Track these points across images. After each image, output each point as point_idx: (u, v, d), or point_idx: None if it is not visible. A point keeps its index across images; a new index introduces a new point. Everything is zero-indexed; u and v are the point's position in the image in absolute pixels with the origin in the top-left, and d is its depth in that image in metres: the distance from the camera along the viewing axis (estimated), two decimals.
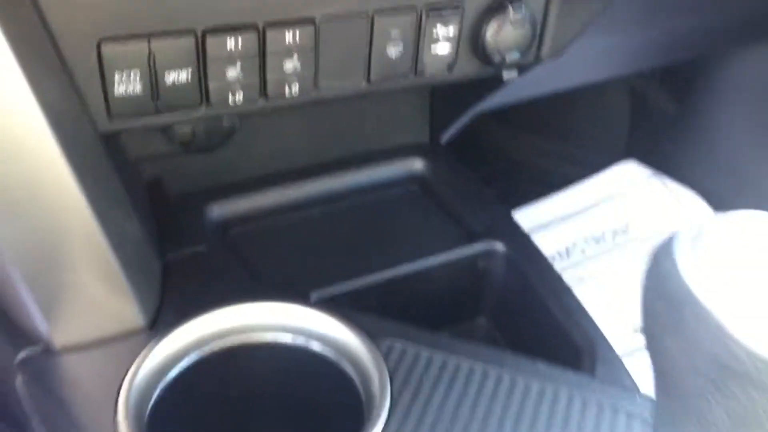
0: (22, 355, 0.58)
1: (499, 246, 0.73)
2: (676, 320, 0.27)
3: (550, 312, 0.67)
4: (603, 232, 1.29)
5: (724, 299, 0.26)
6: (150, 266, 0.64)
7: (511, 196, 1.22)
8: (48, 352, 0.58)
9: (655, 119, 1.36)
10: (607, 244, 1.25)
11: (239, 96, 0.57)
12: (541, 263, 0.72)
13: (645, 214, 1.25)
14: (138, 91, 0.53)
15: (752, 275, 0.27)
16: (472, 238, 0.74)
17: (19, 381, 0.59)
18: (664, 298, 0.28)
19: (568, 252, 1.25)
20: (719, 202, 1.25)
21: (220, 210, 0.75)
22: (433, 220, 0.79)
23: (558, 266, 1.16)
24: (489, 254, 0.73)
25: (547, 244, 1.19)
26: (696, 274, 0.27)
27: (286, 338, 0.59)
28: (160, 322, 0.60)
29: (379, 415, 0.51)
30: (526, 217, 1.24)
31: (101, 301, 0.58)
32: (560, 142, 1.42)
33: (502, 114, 1.08)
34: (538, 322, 0.69)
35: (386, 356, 0.56)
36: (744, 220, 0.29)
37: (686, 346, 0.27)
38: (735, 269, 0.27)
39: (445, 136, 0.91)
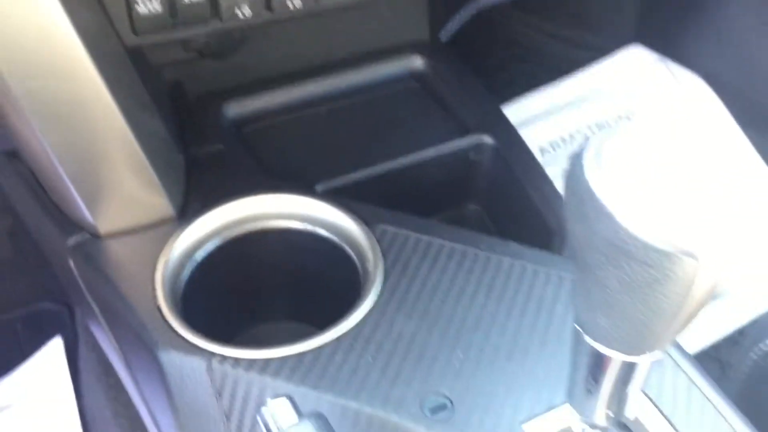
0: (72, 240, 0.68)
1: (488, 139, 0.80)
2: (581, 211, 0.36)
3: (530, 198, 0.76)
4: (607, 118, 1.34)
5: (616, 194, 0.34)
6: (175, 162, 0.73)
7: (521, 81, 1.26)
8: (94, 237, 0.68)
9: (665, 2, 1.37)
10: (611, 130, 1.30)
11: (246, 10, 0.64)
12: (525, 155, 0.80)
13: (649, 99, 1.29)
14: (158, 9, 0.60)
15: (644, 175, 0.35)
16: (464, 132, 0.82)
17: (71, 262, 0.70)
18: (574, 193, 0.36)
19: (571, 137, 1.30)
20: (724, 86, 1.28)
21: (234, 109, 0.83)
22: (430, 115, 0.86)
23: (562, 152, 1.23)
24: (479, 147, 0.80)
25: (552, 129, 1.25)
26: (596, 173, 0.35)
27: (296, 225, 0.69)
28: (187, 211, 0.69)
29: (373, 288, 0.61)
30: (533, 102, 1.28)
31: (135, 193, 0.67)
32: (571, 27, 1.44)
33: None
34: (520, 208, 0.77)
35: (380, 239, 0.65)
36: (644, 130, 0.37)
37: (588, 231, 0.36)
38: (630, 170, 0.35)
39: (445, 33, 0.96)
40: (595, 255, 0.36)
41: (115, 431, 0.89)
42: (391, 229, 0.66)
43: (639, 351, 0.39)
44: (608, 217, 0.34)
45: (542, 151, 1.20)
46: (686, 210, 0.33)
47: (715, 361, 0.55)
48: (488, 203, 0.85)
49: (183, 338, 0.59)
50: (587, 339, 0.40)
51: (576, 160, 0.36)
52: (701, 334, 0.93)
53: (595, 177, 0.35)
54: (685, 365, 0.56)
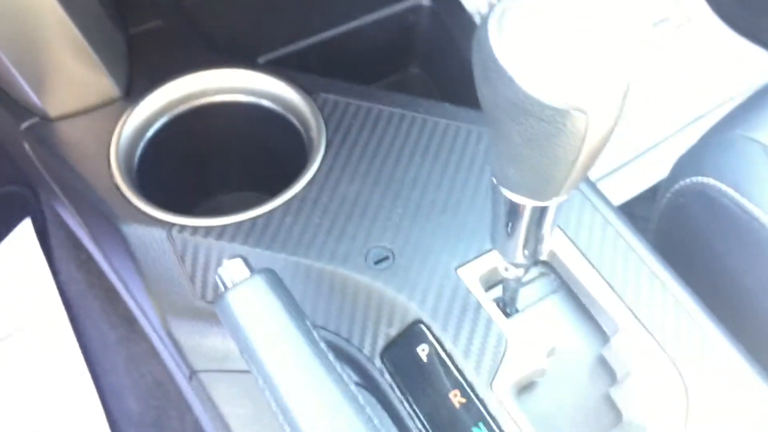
0: (25, 125, 0.71)
1: (425, 1, 0.82)
2: (486, 74, 0.39)
3: (468, 60, 0.78)
4: None
5: (515, 58, 0.38)
6: (115, 41, 0.74)
7: None
8: (46, 120, 0.70)
9: None
10: None
11: None
12: (463, 17, 0.82)
13: None
14: None
15: (540, 40, 0.38)
16: None
17: (26, 146, 0.72)
18: (479, 57, 0.39)
19: None
20: None
21: None
22: None
23: None
24: (417, 9, 0.82)
25: None
26: (497, 39, 0.38)
27: (241, 98, 0.71)
28: (133, 91, 0.71)
29: (317, 155, 0.65)
30: None
31: (79, 75, 0.68)
32: None
33: None
34: (459, 69, 0.80)
35: (322, 107, 0.68)
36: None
37: (493, 92, 0.39)
38: (527, 35, 0.38)
39: None
40: (500, 113, 0.40)
41: (93, 301, 0.95)
42: (332, 97, 0.69)
43: (544, 197, 0.44)
44: (508, 80, 0.38)
45: (480, 14, 1.21)
46: (577, 70, 0.37)
47: (629, 216, 0.60)
48: (429, 66, 0.88)
49: (143, 212, 0.63)
50: (501, 189, 0.45)
51: (482, 25, 0.39)
52: (616, 194, 0.99)
53: (496, 42, 0.38)
54: (602, 207, 0.61)
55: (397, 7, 0.81)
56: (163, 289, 0.62)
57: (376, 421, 0.45)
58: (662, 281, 0.57)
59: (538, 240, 0.49)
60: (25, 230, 1.10)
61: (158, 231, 0.62)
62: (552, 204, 0.45)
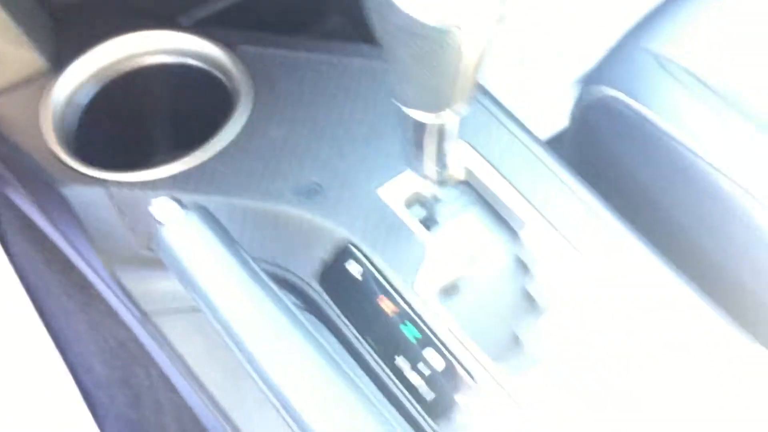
0: None
1: None
2: (374, 4, 0.43)
3: None
4: None
5: None
6: (38, 14, 0.76)
7: None
8: None
9: None
10: None
11: None
12: None
13: None
14: None
15: None
16: None
17: None
18: None
19: None
20: None
21: None
22: None
23: None
24: None
25: None
26: None
27: (166, 58, 0.74)
28: (61, 62, 0.73)
29: (244, 105, 0.69)
30: None
31: (4, 51, 0.71)
32: None
33: None
34: None
35: (245, 60, 0.72)
36: None
37: (381, 17, 0.44)
38: None
39: None
40: (390, 38, 0.44)
41: (49, 274, 0.98)
42: (252, 48, 0.72)
43: (439, 109, 0.49)
44: (392, 5, 0.42)
45: None
46: None
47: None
48: (351, 13, 0.91)
49: (80, 173, 0.66)
50: (402, 108, 0.50)
51: None
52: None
53: None
54: (512, 126, 0.66)
55: None
56: (108, 244, 0.66)
57: (320, 339, 0.50)
58: (565, 183, 0.63)
59: (444, 154, 0.54)
60: None
61: (97, 189, 0.65)
62: (448, 118, 0.50)
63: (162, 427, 0.92)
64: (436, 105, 0.48)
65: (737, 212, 0.61)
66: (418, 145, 0.53)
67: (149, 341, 0.67)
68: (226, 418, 0.59)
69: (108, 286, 0.68)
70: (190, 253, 0.51)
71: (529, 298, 0.60)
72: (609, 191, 0.64)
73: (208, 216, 0.53)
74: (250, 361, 0.48)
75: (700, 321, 0.57)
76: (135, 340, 0.77)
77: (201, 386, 0.61)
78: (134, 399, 0.98)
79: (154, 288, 0.64)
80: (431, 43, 0.43)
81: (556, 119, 0.91)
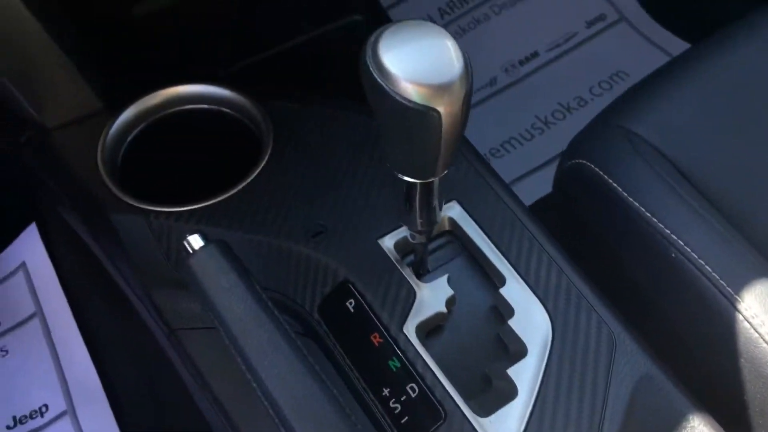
0: (25, 136, 0.85)
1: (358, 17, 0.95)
2: (370, 84, 0.52)
3: None
4: None
5: (386, 75, 0.51)
6: (92, 62, 0.87)
7: None
8: (43, 131, 0.84)
9: None
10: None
11: None
12: None
13: None
14: None
15: (405, 60, 0.52)
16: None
17: (26, 154, 0.86)
18: (363, 72, 0.52)
19: None
20: None
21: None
22: None
23: None
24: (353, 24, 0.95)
25: None
26: (371, 61, 0.51)
27: (204, 106, 0.85)
28: (114, 104, 0.85)
29: (266, 151, 0.79)
30: None
31: (68, 91, 0.82)
32: None
33: None
34: None
35: (271, 112, 0.82)
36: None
37: (377, 100, 0.53)
38: (395, 57, 0.52)
39: None
40: (384, 115, 0.54)
41: (89, 285, 1.09)
42: (279, 103, 0.83)
43: (427, 175, 0.57)
44: (384, 92, 0.51)
45: None
46: (430, 82, 0.50)
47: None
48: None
49: (126, 203, 0.77)
50: (396, 172, 0.59)
51: (362, 50, 0.53)
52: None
53: (372, 64, 0.51)
54: (495, 185, 0.75)
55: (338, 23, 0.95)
56: (145, 265, 0.76)
57: (310, 359, 0.59)
58: (540, 244, 0.71)
59: (430, 210, 0.62)
60: (30, 234, 1.25)
61: (138, 218, 0.76)
62: (435, 180, 0.59)
63: None
64: (424, 171, 0.57)
65: (686, 278, 0.68)
66: (408, 202, 0.61)
67: (174, 354, 0.77)
68: (235, 429, 0.68)
69: (142, 302, 0.78)
70: (210, 280, 0.61)
71: (502, 345, 0.69)
72: (583, 253, 0.72)
73: (227, 249, 0.63)
74: (252, 373, 0.57)
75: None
76: (162, 352, 0.87)
77: (215, 398, 0.70)
78: (157, 405, 1.08)
79: (181, 307, 0.74)
80: (417, 122, 0.51)
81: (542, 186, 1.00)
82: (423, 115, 0.50)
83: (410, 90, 0.49)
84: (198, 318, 0.73)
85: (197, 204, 0.76)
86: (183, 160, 0.85)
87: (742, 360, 0.64)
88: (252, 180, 0.77)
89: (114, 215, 0.77)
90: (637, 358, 0.66)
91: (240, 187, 0.77)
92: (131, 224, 0.77)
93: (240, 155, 0.83)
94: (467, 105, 0.52)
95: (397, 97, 0.50)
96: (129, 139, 0.84)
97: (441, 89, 0.50)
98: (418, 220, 0.63)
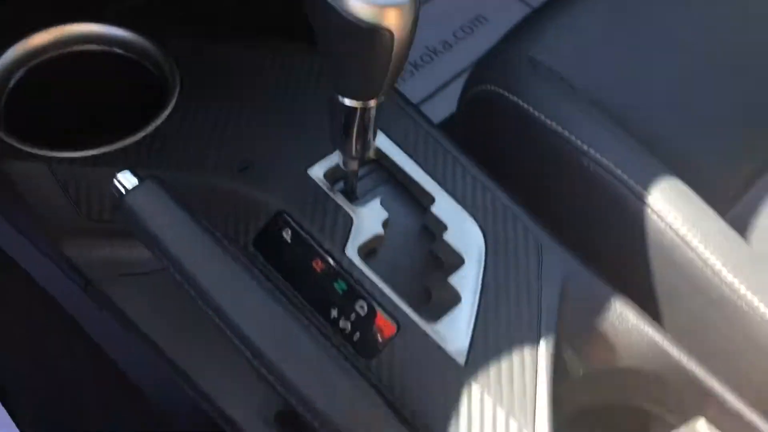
0: None
1: None
2: (317, 9, 0.52)
3: None
4: None
5: None
6: None
7: None
8: None
9: None
10: None
11: None
12: None
13: None
14: None
15: None
16: None
17: None
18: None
19: None
20: None
21: None
22: None
23: None
24: None
25: None
26: None
27: (94, 47, 0.80)
28: None
29: (174, 90, 0.76)
30: None
31: None
32: None
33: None
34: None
35: (173, 51, 0.78)
36: None
37: (321, 19, 0.52)
38: None
39: None
40: (330, 37, 0.54)
41: None
42: (181, 40, 0.79)
43: (368, 97, 0.58)
44: (335, 11, 0.51)
45: None
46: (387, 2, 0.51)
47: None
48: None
49: (22, 150, 0.70)
50: (337, 96, 0.59)
51: None
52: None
53: None
54: (414, 114, 0.77)
55: None
56: (50, 217, 0.70)
57: (276, 290, 0.59)
58: (462, 164, 0.75)
59: (366, 135, 0.63)
60: None
61: (40, 166, 0.70)
62: (371, 104, 0.59)
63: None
64: (366, 93, 0.58)
65: (600, 185, 0.75)
66: (346, 128, 0.62)
67: (89, 311, 0.72)
68: (174, 367, 0.66)
69: (48, 256, 0.72)
70: (153, 218, 0.58)
71: (438, 260, 0.72)
72: (499, 171, 0.77)
73: (162, 183, 0.60)
74: (216, 311, 0.56)
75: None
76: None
77: (155, 346, 0.67)
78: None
79: (96, 257, 0.70)
80: (367, 42, 0.52)
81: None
82: (376, 34, 0.51)
83: (364, 9, 0.50)
84: (118, 267, 0.70)
85: (106, 147, 0.71)
86: (84, 104, 0.79)
87: (653, 250, 0.72)
88: (164, 121, 0.74)
89: (8, 165, 0.71)
90: (562, 258, 0.71)
91: (152, 127, 0.73)
92: (31, 174, 0.70)
93: (146, 97, 0.78)
94: (415, 27, 0.53)
95: (350, 17, 0.50)
96: (10, 85, 0.77)
97: (395, 9, 0.51)
98: (354, 146, 0.64)
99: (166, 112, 0.74)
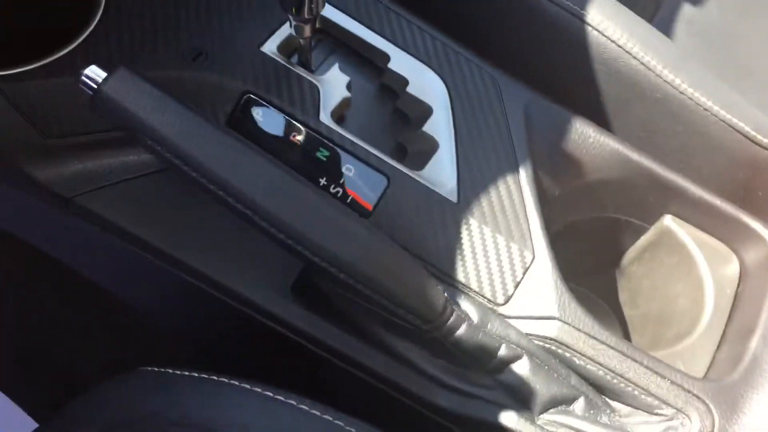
0: None
1: None
2: None
3: None
4: None
5: None
6: None
7: None
8: None
9: None
10: None
11: None
12: None
13: None
14: None
15: None
16: None
17: None
18: None
19: None
20: None
21: None
22: None
23: None
24: None
25: None
26: None
27: None
28: None
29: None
30: None
31: None
32: None
33: None
34: None
35: None
36: None
37: None
38: None
39: None
40: None
41: None
42: None
43: None
44: None
45: None
46: None
47: None
48: None
49: None
50: None
51: None
52: None
53: None
54: None
55: None
56: (8, 142, 0.67)
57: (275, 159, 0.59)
58: (407, 18, 0.75)
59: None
60: None
61: None
62: None
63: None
64: None
65: (538, 13, 0.78)
66: None
67: (74, 229, 0.70)
68: (180, 264, 0.66)
69: (13, 186, 0.69)
70: (136, 104, 0.57)
71: (405, 116, 0.73)
72: (434, 19, 0.78)
73: (136, 69, 0.58)
74: (218, 179, 0.56)
75: None
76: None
77: (147, 247, 0.67)
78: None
79: (67, 173, 0.67)
80: None
81: None
82: None
83: None
84: (91, 180, 0.68)
85: (51, 56, 0.67)
86: (15, 19, 0.73)
87: (598, 64, 0.76)
88: (104, 18, 0.69)
89: None
90: (519, 91, 0.75)
91: (92, 26, 0.69)
92: None
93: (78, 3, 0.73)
94: None
95: None
96: None
97: None
98: (307, 5, 0.63)
99: (100, 10, 0.70)
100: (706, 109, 0.77)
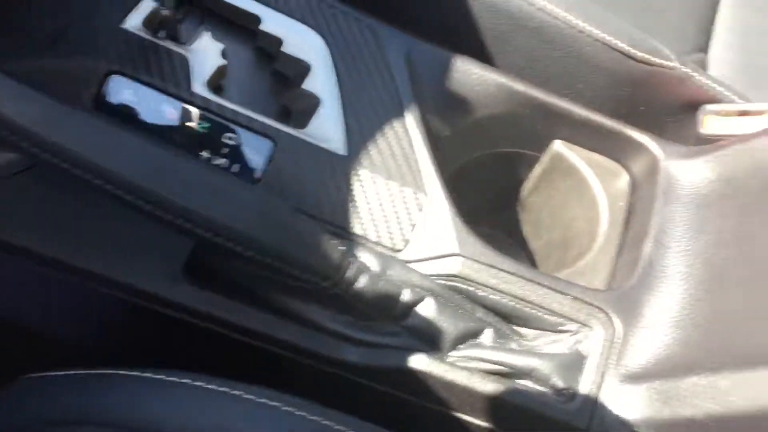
0: None
1: None
2: None
3: None
4: None
5: None
6: None
7: None
8: None
9: None
10: None
11: None
12: None
13: None
14: None
15: None
16: None
17: None
18: None
19: None
20: None
21: None
22: None
23: None
24: None
25: None
26: None
27: None
28: None
29: None
30: None
31: None
32: None
33: None
34: None
35: None
36: None
37: None
38: None
39: None
40: None
41: None
42: None
43: None
44: None
45: None
46: None
47: None
48: None
49: None
50: None
51: None
52: None
53: None
54: None
55: None
56: None
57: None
58: None
59: None
60: None
61: None
62: None
63: None
64: None
65: None
66: None
67: None
68: (62, 265, 0.63)
69: None
70: (22, 115, 0.53)
71: (283, 77, 0.72)
72: None
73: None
74: (87, 165, 0.54)
75: None
76: None
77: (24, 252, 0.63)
78: None
79: None
80: None
81: None
82: None
83: None
84: None
85: None
86: None
87: (472, 0, 0.77)
88: None
89: None
90: (398, 38, 0.74)
91: None
92: None
93: None
94: None
95: None
96: None
97: None
98: None
99: None
100: (580, 31, 0.77)
